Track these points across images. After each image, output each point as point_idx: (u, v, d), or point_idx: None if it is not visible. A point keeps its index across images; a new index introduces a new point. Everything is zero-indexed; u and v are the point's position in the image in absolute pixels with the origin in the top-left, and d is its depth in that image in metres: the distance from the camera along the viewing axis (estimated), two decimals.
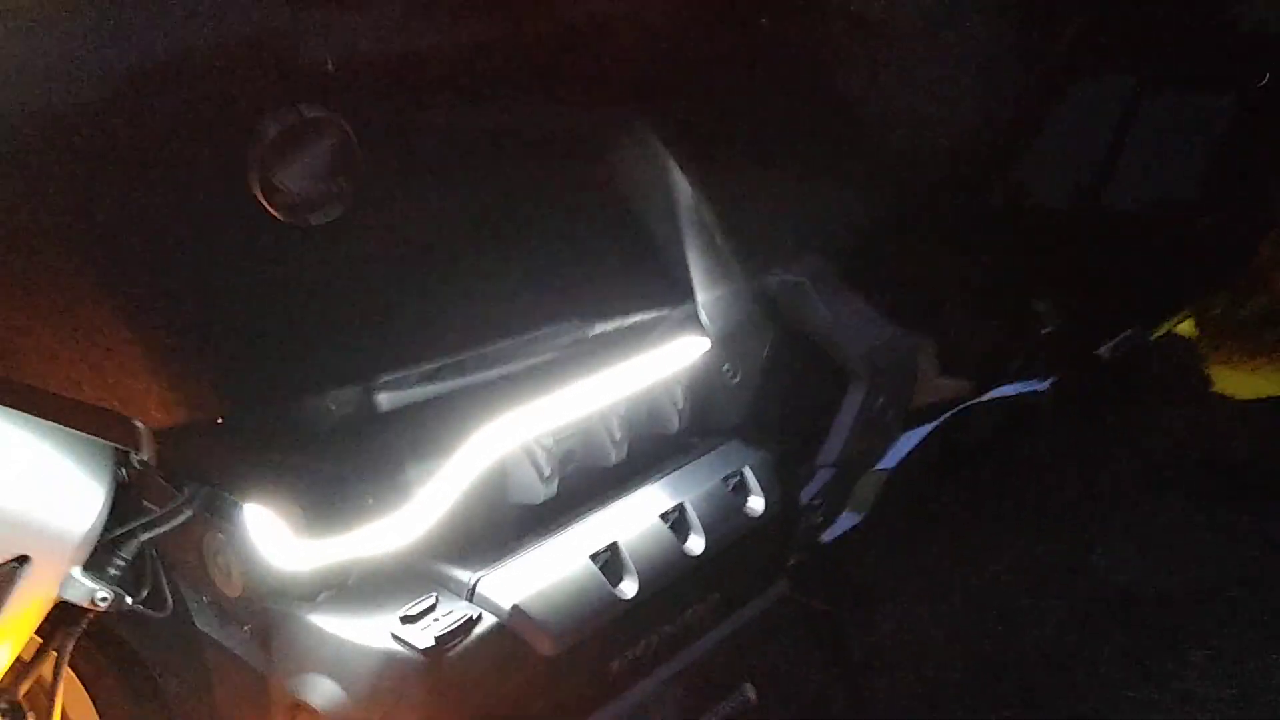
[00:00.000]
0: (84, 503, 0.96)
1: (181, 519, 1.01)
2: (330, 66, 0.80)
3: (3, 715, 1.07)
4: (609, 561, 1.11)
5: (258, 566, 1.02)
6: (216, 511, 1.02)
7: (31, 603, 0.96)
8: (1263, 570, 1.89)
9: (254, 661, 1.05)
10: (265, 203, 0.79)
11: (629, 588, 1.11)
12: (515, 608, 1.04)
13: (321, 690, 1.01)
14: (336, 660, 1.01)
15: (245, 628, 1.05)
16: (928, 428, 1.75)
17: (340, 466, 1.01)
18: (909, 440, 1.73)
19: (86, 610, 1.00)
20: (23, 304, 0.82)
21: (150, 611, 1.02)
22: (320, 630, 1.02)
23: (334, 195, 0.83)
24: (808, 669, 1.65)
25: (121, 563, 1.00)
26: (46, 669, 1.06)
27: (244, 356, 0.91)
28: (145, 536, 1.00)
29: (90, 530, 0.97)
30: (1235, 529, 1.99)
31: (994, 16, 1.77)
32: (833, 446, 1.53)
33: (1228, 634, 1.73)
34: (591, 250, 1.12)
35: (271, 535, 1.01)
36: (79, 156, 0.75)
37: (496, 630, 1.03)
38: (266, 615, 1.04)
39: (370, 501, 1.02)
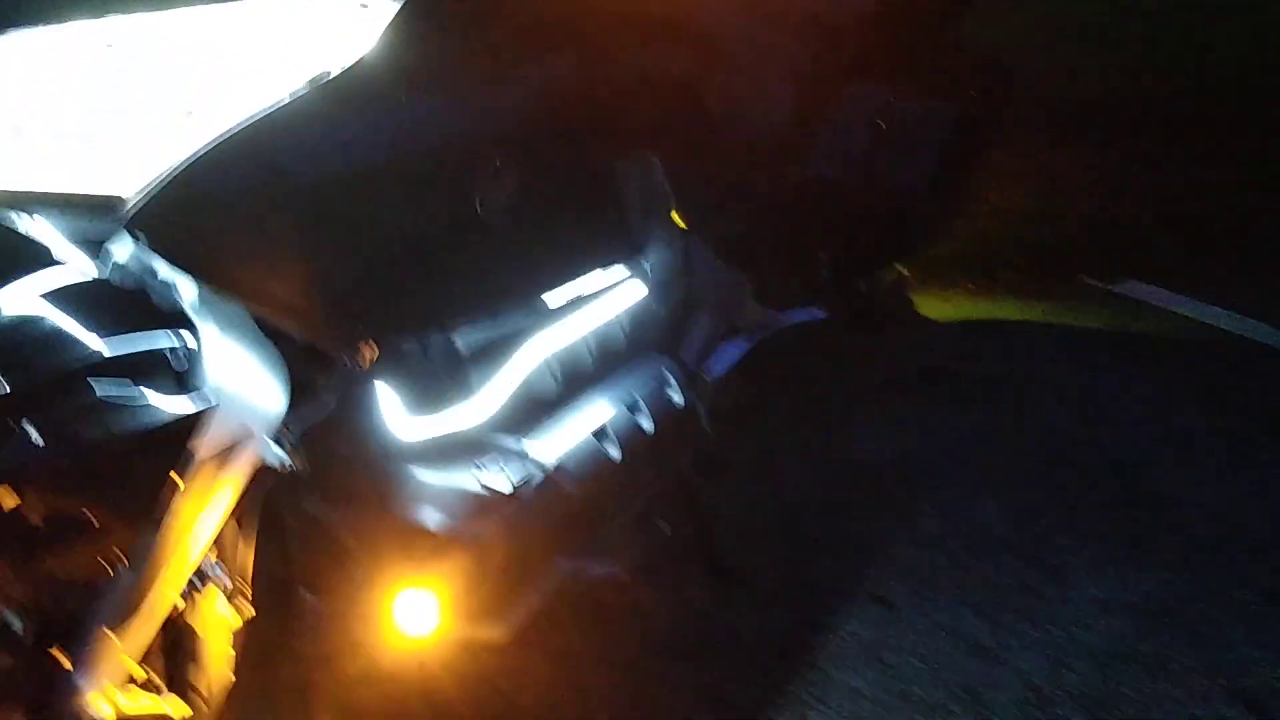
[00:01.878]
0: (278, 393, 1.43)
1: (332, 405, 1.49)
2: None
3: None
4: (600, 436, 1.68)
5: (385, 435, 1.52)
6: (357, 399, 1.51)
7: (252, 467, 1.43)
8: (964, 445, 2.66)
9: (378, 505, 1.55)
10: (479, 207, 1.31)
11: (615, 453, 1.69)
12: (557, 466, 1.59)
13: (434, 519, 1.53)
14: (444, 500, 1.53)
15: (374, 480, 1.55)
16: (746, 344, 2.38)
17: (438, 371, 1.53)
18: (733, 351, 2.36)
19: (273, 473, 1.47)
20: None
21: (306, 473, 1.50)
22: (431, 480, 1.53)
23: (500, 207, 1.35)
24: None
25: (294, 437, 1.47)
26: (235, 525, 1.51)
27: (402, 301, 1.42)
28: (312, 419, 1.48)
29: (282, 412, 1.44)
30: (944, 415, 2.76)
31: (796, 41, 2.42)
32: (691, 352, 2.14)
33: (948, 489, 2.48)
34: (585, 233, 1.67)
35: (394, 413, 1.51)
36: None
37: (545, 481, 1.58)
38: (389, 470, 1.54)
39: (454, 393, 1.54)
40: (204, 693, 1.47)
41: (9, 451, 1.19)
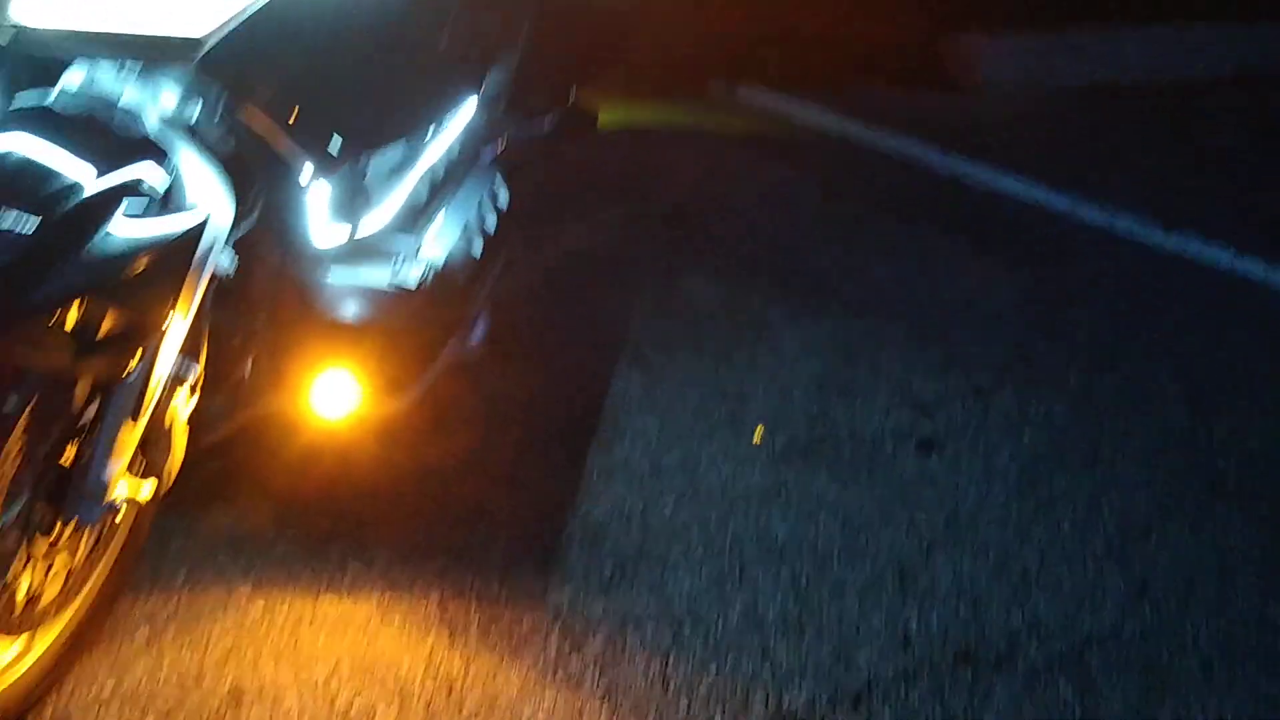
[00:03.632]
0: (229, 207, 1.62)
1: (255, 217, 1.69)
2: None
3: None
4: (466, 231, 1.99)
5: (309, 242, 1.75)
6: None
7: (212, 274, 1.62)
8: (654, 234, 3.15)
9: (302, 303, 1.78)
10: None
11: (478, 248, 2.00)
12: (445, 261, 1.89)
13: (351, 311, 1.79)
14: (358, 297, 1.79)
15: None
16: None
17: (358, 186, 1.77)
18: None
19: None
20: None
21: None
22: (346, 280, 1.79)
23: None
24: None
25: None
26: None
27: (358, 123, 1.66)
28: (247, 230, 1.67)
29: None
30: (629, 208, 3.24)
31: None
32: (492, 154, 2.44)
33: (659, 275, 2.97)
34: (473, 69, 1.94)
35: (319, 221, 1.74)
36: None
37: (438, 272, 1.88)
38: (312, 272, 1.77)
39: (362, 205, 1.80)
40: (166, 476, 1.68)
41: (58, 277, 1.34)
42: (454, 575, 1.95)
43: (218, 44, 1.42)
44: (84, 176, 1.38)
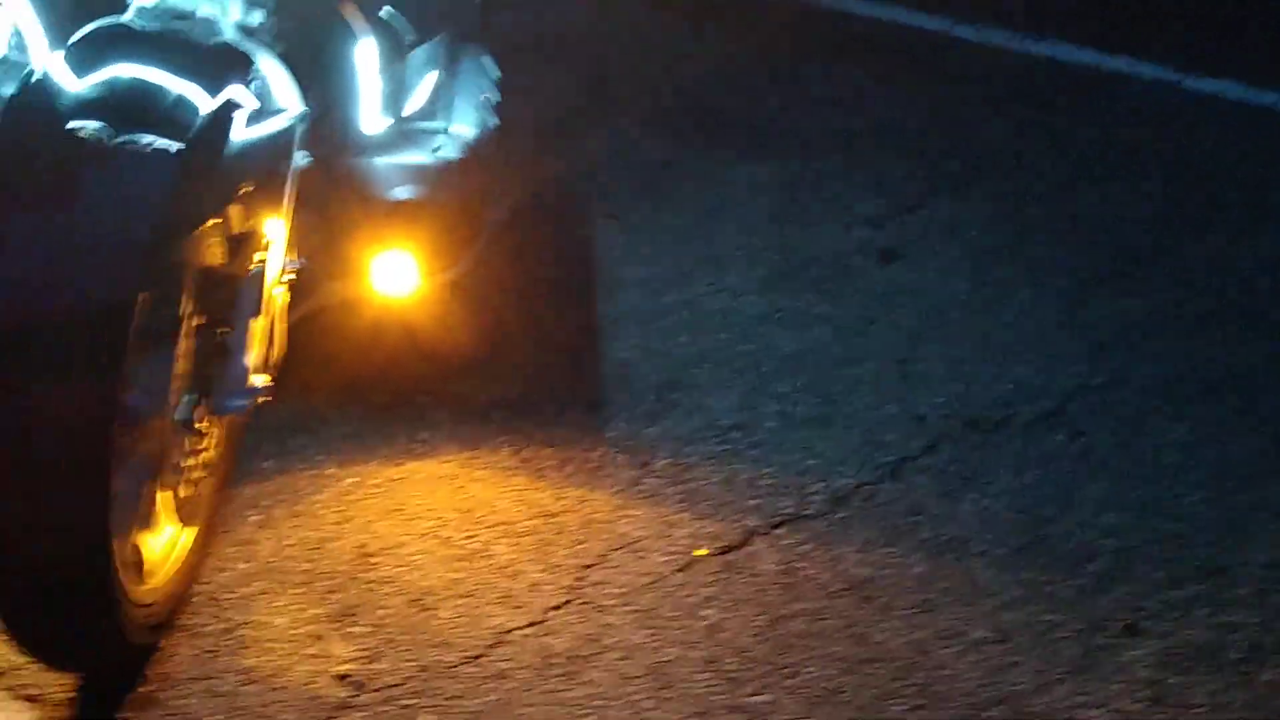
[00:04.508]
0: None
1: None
2: None
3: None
4: (479, 104, 2.12)
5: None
6: None
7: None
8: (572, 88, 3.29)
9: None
10: None
11: (494, 120, 2.13)
12: (471, 134, 2.03)
13: (402, 191, 1.92)
14: (408, 175, 1.92)
15: None
16: None
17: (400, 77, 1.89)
18: None
19: None
20: None
21: None
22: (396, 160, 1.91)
23: None
24: None
25: None
26: None
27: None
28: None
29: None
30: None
31: None
32: None
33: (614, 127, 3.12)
34: None
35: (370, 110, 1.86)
36: None
37: (468, 150, 2.02)
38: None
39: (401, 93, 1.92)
40: (273, 368, 1.81)
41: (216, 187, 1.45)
42: (517, 426, 2.13)
43: None
44: (195, 93, 1.48)
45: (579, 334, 2.39)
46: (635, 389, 2.25)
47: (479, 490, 2.01)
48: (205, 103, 1.47)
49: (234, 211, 1.52)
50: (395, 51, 1.82)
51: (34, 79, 1.44)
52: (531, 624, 1.78)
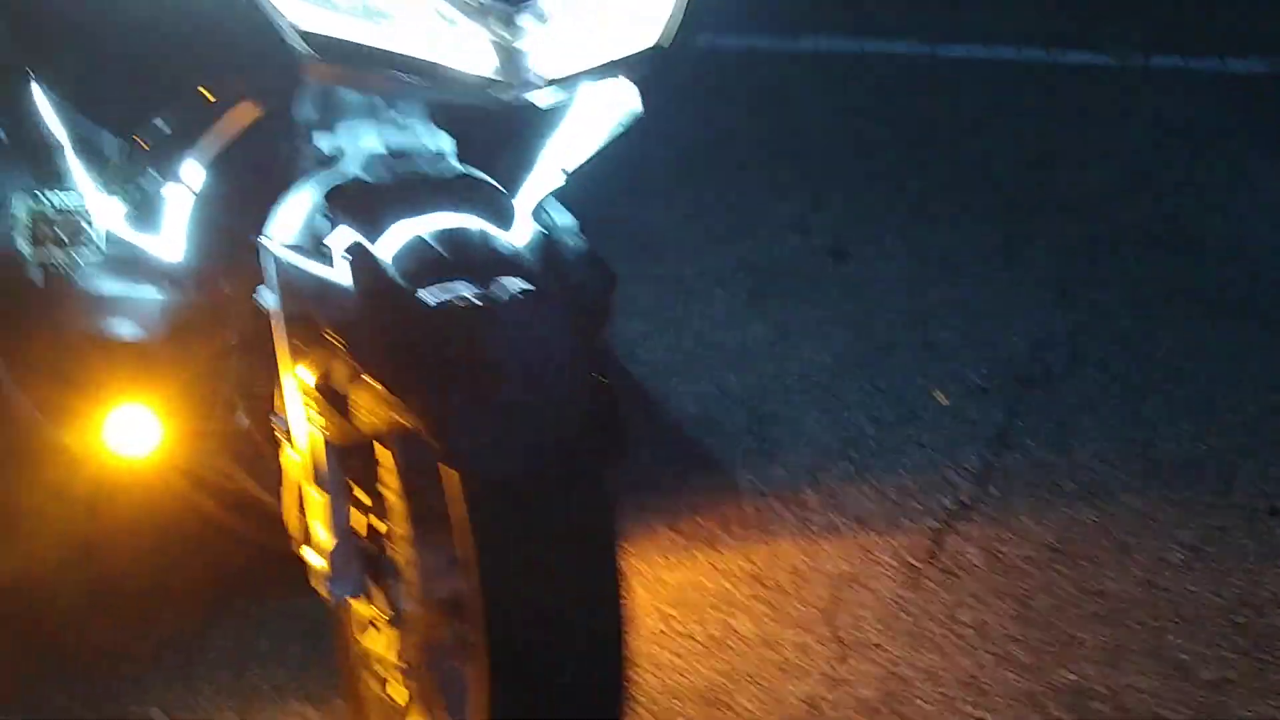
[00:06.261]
0: None
1: None
2: None
3: None
4: None
5: None
6: None
7: None
8: None
9: None
10: None
11: None
12: None
13: None
14: None
15: None
16: None
17: None
18: None
19: None
20: None
21: None
22: None
23: None
24: None
25: None
26: None
27: None
28: None
29: None
30: None
31: None
32: None
33: None
34: None
35: None
36: None
37: None
38: None
39: None
40: None
41: None
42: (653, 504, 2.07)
43: None
44: (499, 231, 1.34)
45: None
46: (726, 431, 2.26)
47: (675, 577, 1.94)
48: (504, 236, 1.34)
49: None
50: None
51: (365, 260, 1.26)
52: (829, 680, 1.76)
